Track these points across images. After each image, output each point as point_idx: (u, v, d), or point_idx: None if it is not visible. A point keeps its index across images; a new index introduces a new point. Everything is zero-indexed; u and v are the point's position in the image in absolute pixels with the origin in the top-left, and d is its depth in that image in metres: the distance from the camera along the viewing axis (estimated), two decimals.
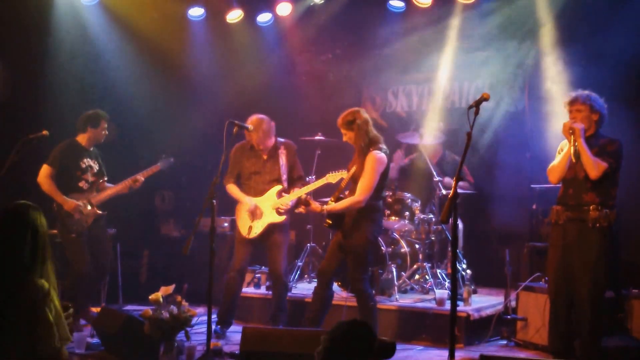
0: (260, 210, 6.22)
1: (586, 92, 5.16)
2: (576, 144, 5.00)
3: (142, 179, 6.64)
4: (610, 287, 5.49)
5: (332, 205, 5.54)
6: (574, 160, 5.05)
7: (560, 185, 5.25)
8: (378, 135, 5.63)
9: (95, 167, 6.60)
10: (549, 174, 5.25)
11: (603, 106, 5.16)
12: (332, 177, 5.79)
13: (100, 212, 6.53)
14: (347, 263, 5.60)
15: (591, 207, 5.01)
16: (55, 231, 7.44)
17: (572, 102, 5.17)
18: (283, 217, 6.18)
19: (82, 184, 6.50)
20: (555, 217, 5.22)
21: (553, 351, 5.24)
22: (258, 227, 6.22)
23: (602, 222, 4.98)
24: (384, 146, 5.58)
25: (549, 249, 5.33)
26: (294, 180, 6.34)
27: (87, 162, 6.55)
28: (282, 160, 6.29)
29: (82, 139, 6.57)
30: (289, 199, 6.14)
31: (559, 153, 5.24)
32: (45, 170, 6.41)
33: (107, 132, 6.63)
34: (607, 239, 5.02)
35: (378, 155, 5.46)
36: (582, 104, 5.12)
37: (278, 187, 6.24)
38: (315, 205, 5.64)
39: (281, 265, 6.22)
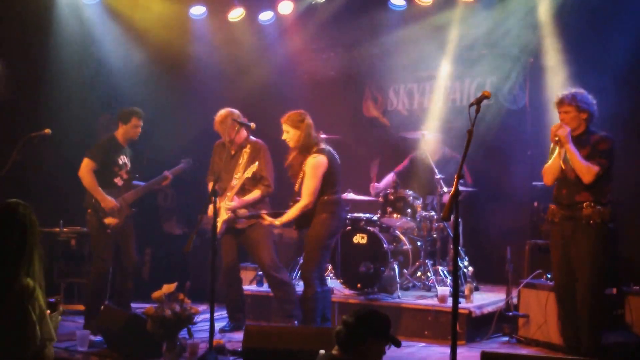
0: (220, 209, 6.19)
1: (572, 91, 5.16)
2: (564, 150, 5.03)
3: (171, 176, 6.77)
4: (610, 284, 5.51)
5: (284, 217, 5.77)
6: (563, 167, 5.09)
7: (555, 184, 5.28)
8: (318, 138, 5.87)
9: (129, 164, 6.60)
10: (543, 175, 5.31)
11: (591, 103, 5.14)
12: (248, 173, 5.96)
13: (132, 209, 6.55)
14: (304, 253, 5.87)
15: (584, 204, 5.04)
16: (57, 229, 7.50)
17: (559, 104, 5.18)
18: (230, 214, 6.11)
19: (117, 180, 6.48)
20: (552, 216, 5.28)
21: (568, 346, 5.26)
22: (218, 226, 6.20)
23: (595, 218, 5.01)
24: (325, 146, 5.81)
25: (550, 248, 5.39)
26: (257, 180, 6.19)
27: (123, 159, 6.54)
28: (242, 158, 6.25)
29: (118, 135, 6.56)
30: (229, 199, 6.15)
31: (552, 153, 5.26)
32: (87, 164, 6.35)
33: (140, 130, 6.58)
34: (602, 236, 5.05)
35: (315, 160, 5.69)
36: (569, 105, 5.12)
37: (233, 184, 6.22)
38: (269, 220, 5.83)
39: (264, 261, 6.18)
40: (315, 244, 5.76)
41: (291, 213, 5.76)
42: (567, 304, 5.22)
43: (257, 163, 5.99)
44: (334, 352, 3.50)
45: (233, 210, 6.11)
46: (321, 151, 5.74)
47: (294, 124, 5.75)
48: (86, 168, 6.35)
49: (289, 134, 5.78)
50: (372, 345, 3.49)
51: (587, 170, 4.97)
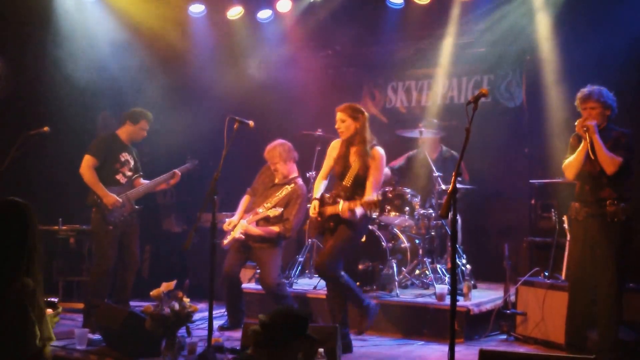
0: (235, 225, 6.36)
1: (597, 87, 5.11)
2: (591, 140, 4.99)
3: (179, 173, 6.77)
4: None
5: (366, 200, 5.34)
6: (592, 157, 5.03)
7: (575, 181, 5.25)
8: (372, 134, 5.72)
9: (132, 162, 6.60)
10: (565, 170, 5.23)
11: (614, 99, 5.15)
12: (272, 212, 6.20)
13: (136, 207, 6.55)
14: (329, 247, 5.61)
15: (608, 202, 5.02)
16: (56, 227, 7.52)
17: (586, 100, 5.11)
18: (242, 236, 6.28)
19: (119, 177, 6.49)
20: (575, 214, 5.24)
21: (568, 343, 5.26)
22: (227, 239, 6.42)
23: (620, 216, 5.00)
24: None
25: (569, 245, 5.40)
26: (281, 219, 6.32)
27: (126, 156, 6.54)
28: (281, 193, 6.38)
29: (121, 133, 6.57)
30: (249, 222, 6.31)
31: (572, 148, 5.23)
32: (87, 160, 6.35)
33: (145, 134, 6.62)
34: (626, 233, 5.05)
35: (382, 152, 5.59)
36: (596, 101, 5.08)
37: (258, 211, 6.37)
38: (346, 208, 5.45)
39: (268, 281, 6.26)
40: (351, 242, 5.68)
41: (368, 203, 5.32)
42: (579, 302, 5.20)
43: (281, 210, 6.20)
44: (249, 352, 3.46)
45: (246, 234, 6.27)
46: (379, 146, 5.62)
47: (353, 114, 5.59)
48: (86, 164, 6.35)
49: (345, 124, 5.60)
50: (289, 348, 3.45)
51: (611, 161, 4.95)
